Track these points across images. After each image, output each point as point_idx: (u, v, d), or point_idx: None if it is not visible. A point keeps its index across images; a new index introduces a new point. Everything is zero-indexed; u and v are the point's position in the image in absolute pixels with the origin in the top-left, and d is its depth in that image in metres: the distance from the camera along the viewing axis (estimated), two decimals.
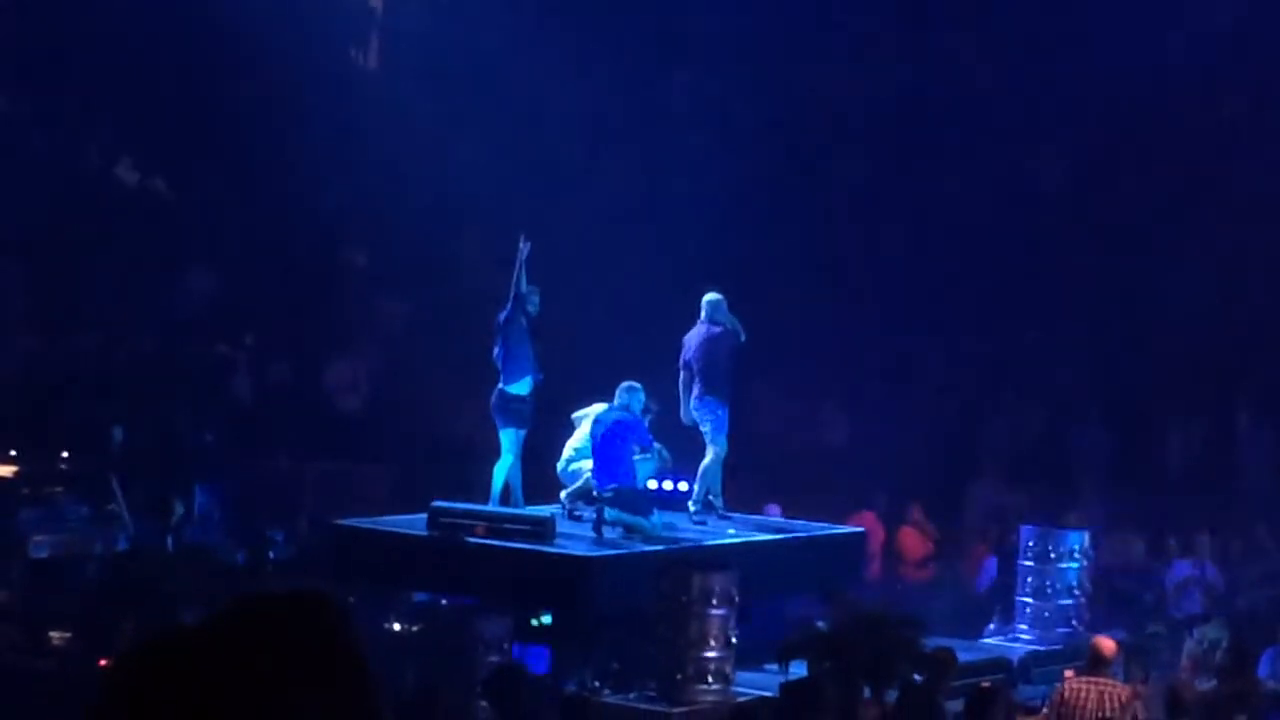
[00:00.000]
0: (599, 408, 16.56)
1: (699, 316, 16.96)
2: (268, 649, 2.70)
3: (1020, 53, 23.89)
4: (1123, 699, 13.33)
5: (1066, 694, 13.41)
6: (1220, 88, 23.38)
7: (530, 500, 17.03)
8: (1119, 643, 15.13)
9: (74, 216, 22.69)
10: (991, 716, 13.02)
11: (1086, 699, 13.28)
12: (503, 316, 16.61)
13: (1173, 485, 21.73)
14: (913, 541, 21.08)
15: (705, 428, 16.87)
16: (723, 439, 16.86)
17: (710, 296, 16.99)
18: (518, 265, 16.55)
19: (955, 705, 14.19)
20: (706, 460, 17.02)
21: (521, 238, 16.60)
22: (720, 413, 16.80)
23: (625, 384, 16.38)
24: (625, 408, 16.27)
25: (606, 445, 16.20)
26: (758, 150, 23.81)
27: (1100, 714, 13.17)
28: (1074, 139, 23.77)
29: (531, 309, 16.71)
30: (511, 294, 16.63)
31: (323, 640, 2.75)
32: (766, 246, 23.05)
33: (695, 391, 16.79)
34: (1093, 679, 13.49)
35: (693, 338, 16.92)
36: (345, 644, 2.76)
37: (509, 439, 16.61)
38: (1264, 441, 21.70)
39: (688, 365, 16.83)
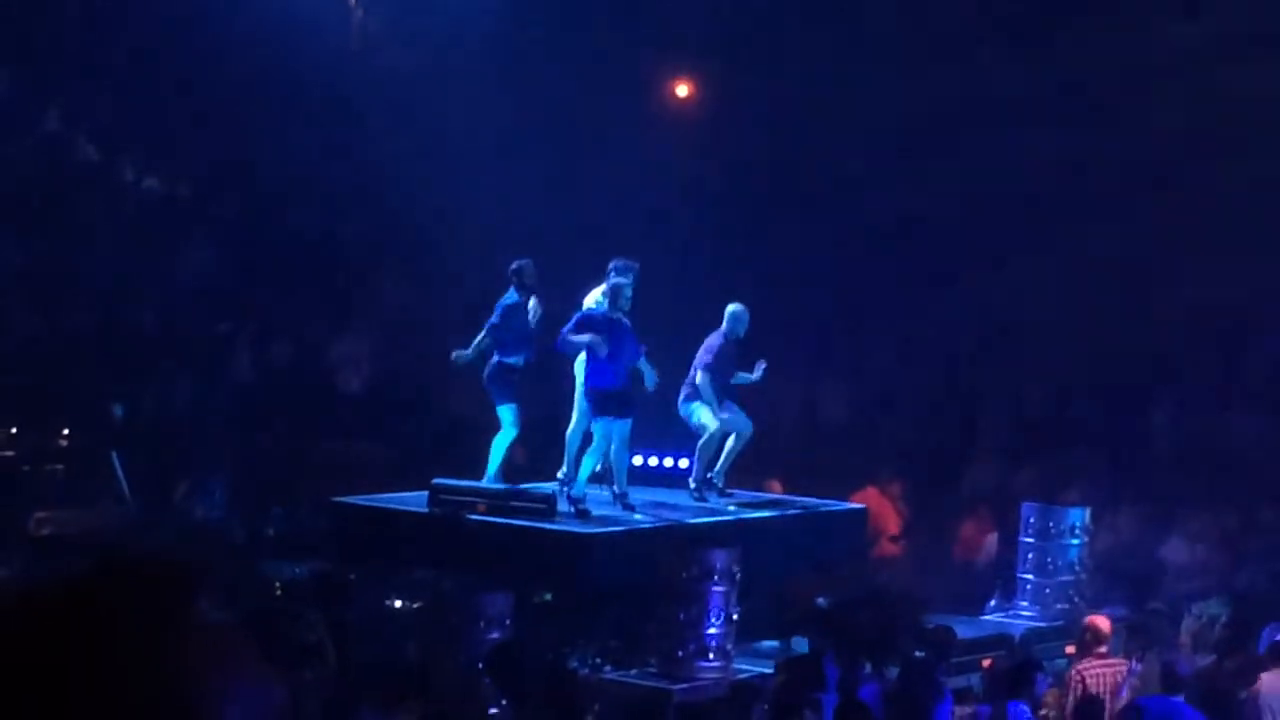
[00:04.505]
0: None
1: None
2: (119, 616, 2.68)
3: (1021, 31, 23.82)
4: (1124, 674, 13.44)
5: (1088, 682, 13.44)
6: None
7: (532, 476, 17.03)
8: (1119, 619, 15.19)
9: (74, 193, 22.66)
10: (1021, 690, 13.07)
11: (1106, 683, 13.35)
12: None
13: (1170, 462, 21.72)
14: (891, 517, 21.06)
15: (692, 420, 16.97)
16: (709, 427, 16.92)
17: (733, 308, 17.03)
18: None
19: (957, 681, 14.24)
20: (701, 439, 17.04)
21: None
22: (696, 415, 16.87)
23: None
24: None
25: None
26: (751, 134, 23.77)
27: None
28: (1063, 117, 23.68)
29: (530, 281, 16.72)
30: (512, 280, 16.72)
31: (176, 609, 2.73)
32: (765, 229, 23.05)
33: (686, 392, 16.87)
34: (1103, 661, 13.56)
35: (710, 342, 16.99)
36: (196, 613, 2.74)
37: (509, 414, 16.61)
38: (1260, 417, 21.68)
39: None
